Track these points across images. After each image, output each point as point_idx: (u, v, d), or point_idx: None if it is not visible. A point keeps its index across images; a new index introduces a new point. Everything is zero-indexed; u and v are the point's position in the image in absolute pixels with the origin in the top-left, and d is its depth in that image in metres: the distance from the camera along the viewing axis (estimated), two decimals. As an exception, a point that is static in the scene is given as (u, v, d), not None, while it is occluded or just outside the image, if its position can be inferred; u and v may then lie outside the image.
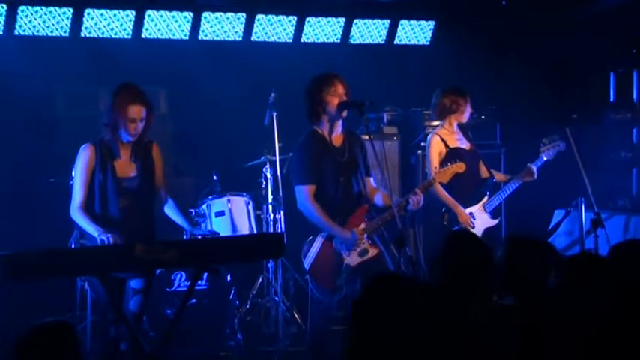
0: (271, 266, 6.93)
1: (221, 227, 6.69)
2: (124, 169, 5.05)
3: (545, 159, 6.35)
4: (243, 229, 6.75)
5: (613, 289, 3.44)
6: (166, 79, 7.90)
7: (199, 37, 8.14)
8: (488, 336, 3.22)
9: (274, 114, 6.79)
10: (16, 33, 7.49)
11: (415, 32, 9.08)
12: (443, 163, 6.09)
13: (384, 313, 2.79)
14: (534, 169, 6.28)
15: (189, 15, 8.06)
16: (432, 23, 9.08)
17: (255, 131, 7.16)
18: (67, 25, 7.63)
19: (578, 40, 8.54)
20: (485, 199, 6.30)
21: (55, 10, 7.58)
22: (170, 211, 5.31)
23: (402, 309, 2.78)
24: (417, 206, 5.29)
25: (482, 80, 8.15)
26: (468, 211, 6.18)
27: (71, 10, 7.60)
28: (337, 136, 5.39)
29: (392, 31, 8.93)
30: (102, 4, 7.70)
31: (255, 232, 6.80)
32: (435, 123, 6.92)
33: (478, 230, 6.16)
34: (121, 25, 7.84)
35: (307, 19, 8.53)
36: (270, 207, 7.01)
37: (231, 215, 6.76)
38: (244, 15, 8.28)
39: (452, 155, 6.15)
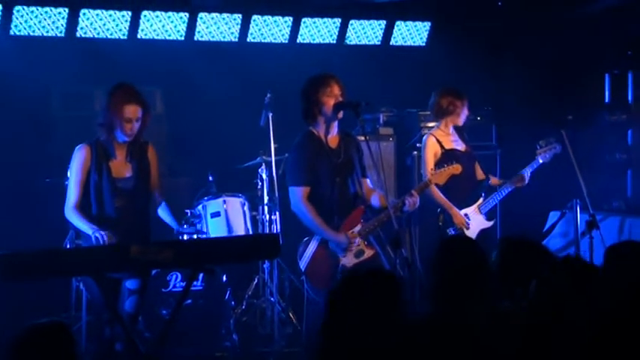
0: (267, 267, 6.93)
1: (217, 228, 6.69)
2: (119, 169, 5.05)
3: (541, 161, 6.37)
4: (239, 229, 6.75)
5: (609, 291, 3.46)
6: (162, 80, 7.89)
7: (195, 38, 8.14)
8: (488, 337, 3.23)
9: (270, 115, 6.79)
10: (11, 33, 7.47)
11: (411, 33, 9.09)
12: (438, 164, 6.10)
13: (356, 304, 2.92)
14: (526, 175, 6.29)
15: (185, 15, 8.05)
16: (427, 24, 9.09)
17: (250, 132, 7.16)
18: (62, 25, 7.61)
19: (574, 42, 8.55)
20: (481, 200, 6.31)
21: (51, 10, 7.56)
22: (162, 212, 5.32)
23: (373, 300, 2.92)
24: (412, 207, 5.30)
25: (477, 81, 8.16)
26: (463, 212, 6.19)
27: (67, 10, 7.59)
28: (333, 137, 5.39)
29: (388, 32, 8.93)
30: (97, 4, 7.68)
31: (250, 232, 6.79)
32: (431, 124, 6.92)
33: (473, 231, 6.17)
34: (117, 25, 7.83)
35: (303, 19, 8.53)
36: (265, 208, 7.01)
37: (226, 216, 6.76)
38: (240, 16, 8.28)
39: (447, 156, 6.16)
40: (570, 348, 3.29)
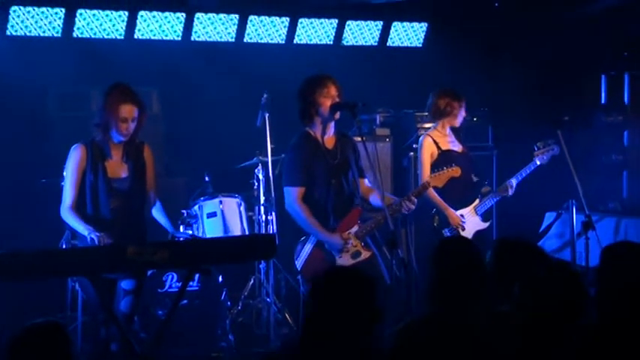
0: (263, 267, 6.93)
1: (213, 228, 6.69)
2: (115, 169, 5.05)
3: (538, 163, 6.37)
4: (235, 230, 6.75)
5: (605, 291, 3.47)
6: (159, 80, 7.89)
7: (192, 38, 8.14)
8: (486, 337, 3.24)
9: (267, 115, 6.79)
10: (7, 33, 7.46)
11: (408, 34, 9.10)
12: (435, 165, 6.10)
13: (333, 299, 3.02)
14: (510, 185, 6.30)
15: (181, 16, 8.05)
16: (424, 25, 9.10)
17: (247, 132, 7.16)
18: (59, 25, 7.61)
19: (570, 43, 8.56)
20: (477, 201, 6.31)
21: (48, 11, 7.55)
22: (157, 213, 5.32)
23: (349, 297, 3.02)
24: (410, 210, 5.30)
25: (474, 82, 8.16)
26: (459, 212, 6.19)
27: (63, 10, 7.58)
28: (329, 138, 5.39)
29: (384, 33, 8.94)
30: (94, 4, 7.68)
31: (247, 233, 6.79)
32: (428, 125, 6.93)
33: (469, 232, 6.17)
34: (114, 25, 7.83)
35: (300, 20, 8.53)
36: (262, 208, 7.01)
37: (223, 216, 6.75)
38: (237, 16, 8.28)
39: (444, 157, 6.17)
40: (569, 348, 3.30)
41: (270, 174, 6.84)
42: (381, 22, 8.89)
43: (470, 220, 6.22)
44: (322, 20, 8.65)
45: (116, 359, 4.95)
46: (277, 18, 8.46)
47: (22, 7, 7.45)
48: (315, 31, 8.68)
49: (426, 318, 3.36)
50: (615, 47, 8.67)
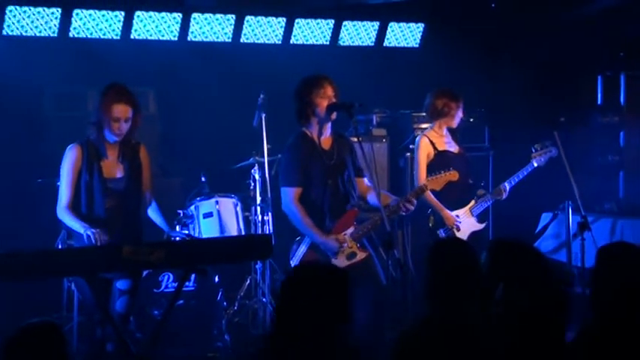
0: (259, 267, 6.93)
1: (209, 228, 6.69)
2: (110, 169, 5.05)
3: (536, 165, 6.37)
4: (232, 230, 6.75)
5: (600, 292, 3.47)
6: (155, 80, 7.88)
7: (188, 38, 8.14)
8: (485, 337, 3.24)
9: (263, 115, 6.79)
10: (4, 33, 7.45)
11: (404, 35, 9.10)
12: (431, 165, 6.11)
13: (304, 295, 3.07)
14: (504, 188, 6.30)
15: (178, 16, 8.05)
16: (421, 26, 9.11)
17: (243, 132, 7.15)
18: (55, 25, 7.60)
19: (566, 43, 8.57)
20: (473, 202, 6.31)
21: (44, 11, 7.55)
22: (153, 213, 5.32)
23: (320, 292, 3.07)
24: (408, 211, 5.30)
25: (470, 83, 8.15)
26: (454, 213, 6.19)
27: (59, 10, 7.58)
28: (326, 139, 5.39)
29: (381, 34, 8.95)
30: (90, 4, 7.67)
31: (243, 233, 6.79)
32: (424, 125, 6.93)
33: (464, 233, 6.17)
34: (110, 25, 7.82)
35: (296, 20, 8.53)
36: (258, 208, 7.00)
37: (219, 216, 6.75)
38: (233, 16, 8.28)
39: (440, 158, 6.17)
40: (565, 348, 3.30)
41: (267, 174, 6.84)
42: (378, 23, 8.90)
43: (465, 221, 6.22)
44: (319, 20, 8.65)
45: (112, 359, 4.94)
46: (274, 18, 8.46)
47: (18, 7, 7.44)
48: (312, 31, 8.68)
49: (425, 320, 3.36)
50: (611, 48, 8.68)
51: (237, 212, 6.86)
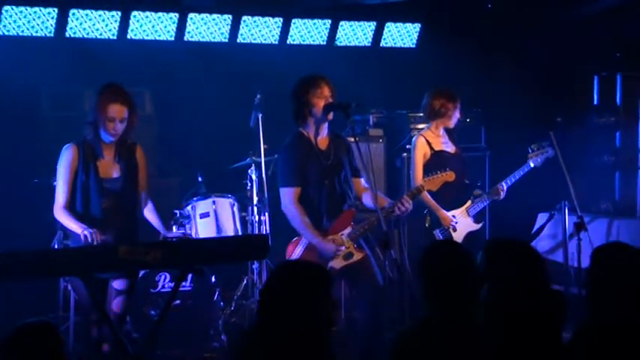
0: (256, 268, 6.93)
1: (206, 229, 6.69)
2: (106, 169, 5.04)
3: (532, 165, 6.36)
4: (228, 230, 6.75)
5: (596, 292, 3.48)
6: (152, 80, 7.88)
7: (185, 39, 8.14)
8: (483, 338, 3.25)
9: (260, 115, 6.79)
10: (0, 33, 7.45)
11: (401, 35, 9.11)
12: (428, 165, 6.10)
13: (287, 295, 3.10)
14: (502, 188, 6.31)
15: (174, 16, 8.05)
16: (417, 26, 9.11)
17: (240, 133, 7.16)
18: (51, 25, 7.60)
19: (563, 44, 8.58)
20: (469, 202, 6.31)
21: (40, 11, 7.54)
22: (149, 214, 5.31)
23: (304, 292, 3.09)
24: (404, 212, 5.30)
25: (467, 83, 8.18)
26: (450, 214, 6.19)
27: (56, 10, 7.57)
28: (323, 139, 5.38)
29: (378, 34, 8.96)
30: (87, 4, 7.67)
31: (240, 233, 6.79)
32: (421, 125, 6.93)
33: (460, 233, 6.16)
34: (106, 25, 7.82)
35: (293, 20, 8.53)
36: (255, 208, 7.01)
37: (216, 217, 6.76)
38: (230, 16, 8.28)
39: (436, 158, 6.17)
40: (561, 349, 3.31)
41: (264, 174, 6.85)
42: (375, 23, 8.91)
43: (462, 222, 6.22)
44: (315, 21, 8.65)
45: (108, 359, 4.94)
46: (271, 18, 8.46)
47: (14, 7, 7.44)
48: (309, 31, 8.68)
49: (423, 320, 3.37)
50: (608, 48, 8.69)
51: (234, 212, 6.86)
